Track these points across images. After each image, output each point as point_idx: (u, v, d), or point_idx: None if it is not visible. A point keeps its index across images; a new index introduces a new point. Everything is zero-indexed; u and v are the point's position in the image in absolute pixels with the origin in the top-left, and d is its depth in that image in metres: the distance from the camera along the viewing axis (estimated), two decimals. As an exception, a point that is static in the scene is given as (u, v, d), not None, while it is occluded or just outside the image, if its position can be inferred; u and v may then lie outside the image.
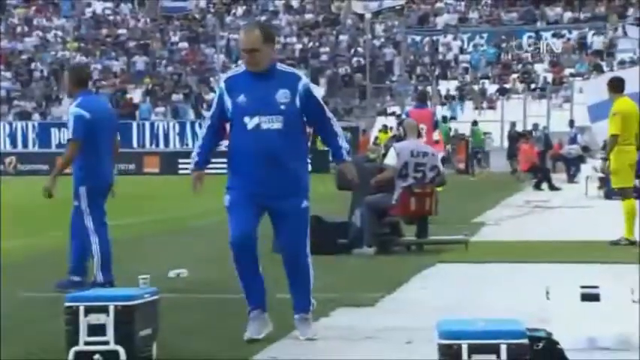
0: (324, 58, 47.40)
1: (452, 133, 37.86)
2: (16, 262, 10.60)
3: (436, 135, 17.04)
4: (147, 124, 43.09)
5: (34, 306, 7.97)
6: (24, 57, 48.51)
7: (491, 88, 44.03)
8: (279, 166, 6.22)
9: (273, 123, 6.20)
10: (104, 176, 8.82)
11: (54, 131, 41.77)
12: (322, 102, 6.42)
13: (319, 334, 6.53)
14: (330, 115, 6.39)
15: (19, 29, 50.50)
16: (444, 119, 38.57)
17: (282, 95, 6.22)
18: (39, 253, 11.75)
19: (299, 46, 48.22)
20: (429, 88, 44.30)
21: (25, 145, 43.07)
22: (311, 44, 48.32)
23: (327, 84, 45.72)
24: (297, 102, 6.23)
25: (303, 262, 6.46)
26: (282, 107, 6.20)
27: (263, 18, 50.49)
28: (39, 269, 10.17)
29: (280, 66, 6.39)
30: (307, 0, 51.54)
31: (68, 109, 8.95)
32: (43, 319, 7.25)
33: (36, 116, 45.07)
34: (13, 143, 43.14)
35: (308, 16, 50.80)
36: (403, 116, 20.81)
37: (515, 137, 33.68)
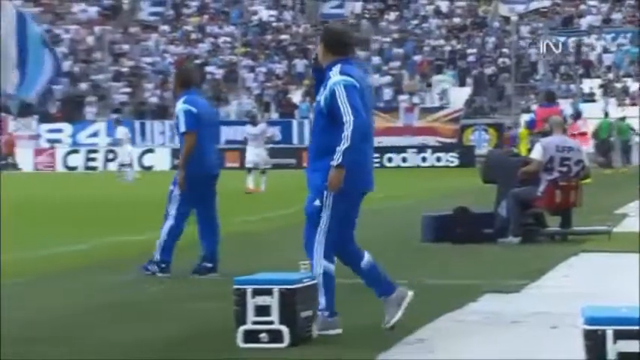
0: (471, 59, 46.86)
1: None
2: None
3: (582, 126, 16.65)
4: (306, 122, 43.56)
5: (198, 287, 8.16)
6: (197, 61, 49.74)
7: (634, 86, 42.63)
8: (310, 160, 6.15)
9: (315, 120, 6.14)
10: (204, 167, 8.90)
11: (223, 129, 42.65)
12: (346, 105, 5.87)
13: (467, 319, 6.45)
14: (347, 118, 5.85)
15: (193, 36, 51.76)
16: (606, 114, 37.39)
17: (321, 93, 6.06)
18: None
19: (448, 48, 47.82)
20: (572, 86, 43.22)
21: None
22: (459, 46, 47.85)
23: (474, 83, 45.18)
24: (322, 101, 6.01)
25: (314, 262, 6.07)
26: (315, 105, 6.12)
27: (414, 22, 50.24)
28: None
29: (336, 66, 6.02)
30: (456, 5, 51.03)
31: (176, 107, 9.10)
32: (204, 299, 7.41)
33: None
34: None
35: (456, 20, 50.29)
36: (532, 115, 20.43)
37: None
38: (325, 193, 5.98)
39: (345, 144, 5.84)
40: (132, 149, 32.53)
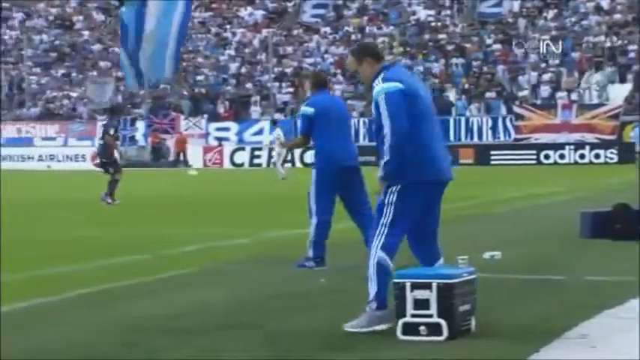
0: (631, 55, 45.31)
1: None
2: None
3: None
4: (462, 120, 43.18)
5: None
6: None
7: None
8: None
9: None
10: (338, 161, 8.94)
11: (380, 126, 42.73)
12: (385, 116, 5.82)
13: (627, 315, 6.23)
14: (386, 130, 5.83)
15: (353, 37, 52.09)
16: None
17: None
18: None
19: (607, 45, 46.39)
20: None
21: (356, 139, 44.45)
22: (619, 42, 46.32)
23: (634, 80, 43.65)
24: (374, 110, 6.00)
25: (370, 252, 6.00)
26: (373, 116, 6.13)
27: (572, 19, 48.96)
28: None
29: (380, 75, 5.95)
30: (617, 1, 49.39)
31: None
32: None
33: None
34: (348, 137, 44.69)
35: (617, 17, 48.70)
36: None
37: None
38: (392, 188, 5.91)
39: (386, 157, 5.87)
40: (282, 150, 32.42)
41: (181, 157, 44.60)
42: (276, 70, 49.16)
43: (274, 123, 34.89)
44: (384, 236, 5.92)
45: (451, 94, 46.39)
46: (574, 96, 43.74)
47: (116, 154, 19.19)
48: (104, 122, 20.28)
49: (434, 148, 5.97)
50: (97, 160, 20.50)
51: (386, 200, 5.93)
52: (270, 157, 43.07)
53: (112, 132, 18.96)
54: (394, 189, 5.91)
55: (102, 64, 52.81)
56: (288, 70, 49.63)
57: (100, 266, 9.27)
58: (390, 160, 5.86)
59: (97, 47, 54.69)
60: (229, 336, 5.90)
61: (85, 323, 6.39)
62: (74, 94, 51.42)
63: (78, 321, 6.49)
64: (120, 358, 5.42)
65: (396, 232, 5.93)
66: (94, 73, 52.26)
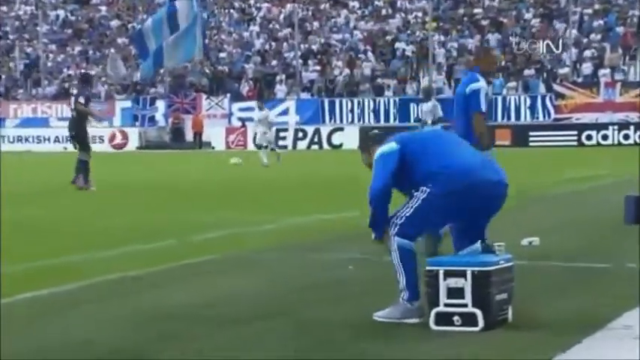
0: (679, 29, 44.83)
1: None
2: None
3: None
4: (499, 99, 42.91)
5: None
6: (387, 38, 49.81)
7: None
8: None
9: None
10: None
11: (412, 106, 42.64)
12: (373, 173, 6.09)
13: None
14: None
15: (383, 12, 51.87)
16: None
17: None
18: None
19: (653, 19, 45.93)
20: None
21: (386, 119, 44.34)
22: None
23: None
24: None
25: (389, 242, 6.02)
26: None
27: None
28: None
29: None
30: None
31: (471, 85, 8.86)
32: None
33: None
34: (377, 118, 44.56)
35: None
36: None
37: None
38: (422, 188, 5.94)
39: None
40: (271, 133, 31.74)
41: (198, 140, 44.51)
42: (302, 46, 49.09)
43: (261, 104, 34.17)
44: (399, 225, 5.94)
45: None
46: (618, 74, 43.37)
47: (89, 133, 17.93)
48: (74, 92, 19.41)
49: (454, 162, 5.99)
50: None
51: (415, 194, 5.96)
52: (296, 137, 43.12)
53: (82, 100, 17.87)
54: (424, 190, 5.93)
55: (120, 40, 52.97)
56: (315, 47, 49.54)
57: (120, 253, 9.34)
58: (370, 215, 6.05)
59: (115, 23, 54.86)
60: (259, 326, 5.93)
61: (107, 313, 6.45)
62: (91, 73, 51.66)
63: (100, 311, 6.56)
64: (153, 348, 5.47)
65: (413, 227, 5.96)
66: (112, 50, 52.43)
